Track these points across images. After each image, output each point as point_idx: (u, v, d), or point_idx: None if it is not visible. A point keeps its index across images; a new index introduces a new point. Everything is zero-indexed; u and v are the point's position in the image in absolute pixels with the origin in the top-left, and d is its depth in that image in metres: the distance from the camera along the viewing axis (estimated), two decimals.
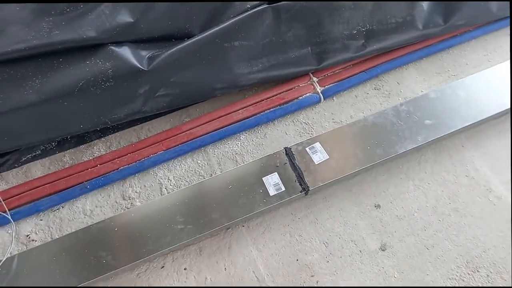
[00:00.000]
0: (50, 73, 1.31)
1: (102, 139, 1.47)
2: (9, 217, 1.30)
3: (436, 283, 1.17)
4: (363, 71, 1.56)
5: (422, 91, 1.53)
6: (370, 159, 1.31)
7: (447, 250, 1.22)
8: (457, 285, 1.17)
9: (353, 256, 1.23)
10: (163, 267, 1.24)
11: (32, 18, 1.28)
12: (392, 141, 1.34)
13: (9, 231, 1.31)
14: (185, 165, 1.41)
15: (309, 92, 1.52)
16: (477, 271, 1.19)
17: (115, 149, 1.43)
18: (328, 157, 1.32)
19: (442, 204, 1.29)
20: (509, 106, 1.38)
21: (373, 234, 1.26)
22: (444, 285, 1.17)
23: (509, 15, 1.62)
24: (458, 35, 1.63)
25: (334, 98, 1.54)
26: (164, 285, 1.21)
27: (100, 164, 1.37)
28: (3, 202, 1.31)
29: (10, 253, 1.26)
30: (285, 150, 1.35)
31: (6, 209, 1.30)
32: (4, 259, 1.21)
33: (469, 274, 1.18)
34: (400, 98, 1.52)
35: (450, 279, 1.18)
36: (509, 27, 1.66)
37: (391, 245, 1.24)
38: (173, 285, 1.21)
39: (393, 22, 1.52)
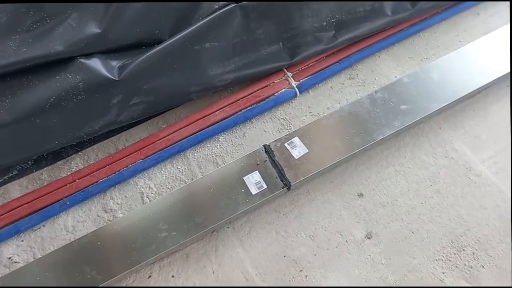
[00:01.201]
0: (20, 91, 1.29)
1: (79, 153, 1.45)
2: None
3: (423, 265, 1.18)
4: (337, 62, 1.55)
5: (396, 76, 1.53)
6: (349, 149, 1.31)
7: (432, 232, 1.23)
8: (444, 265, 1.17)
9: (340, 247, 1.23)
10: (150, 276, 1.23)
11: None
12: (370, 129, 1.34)
13: None
14: (165, 172, 1.40)
15: (284, 88, 1.52)
16: (463, 249, 1.19)
17: (93, 162, 1.41)
18: (307, 150, 1.32)
19: (424, 187, 1.30)
20: (481, 85, 1.40)
21: (358, 223, 1.26)
22: (433, 265, 1.17)
23: None
24: (427, 18, 1.64)
25: (310, 91, 1.54)
26: None
27: (78, 179, 1.35)
28: None
29: None
30: (264, 148, 1.34)
31: None
32: None
33: (455, 253, 1.19)
34: (375, 86, 1.52)
35: (436, 260, 1.18)
36: (476, 7, 1.68)
37: (376, 232, 1.24)
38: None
39: (362, 10, 1.52)
